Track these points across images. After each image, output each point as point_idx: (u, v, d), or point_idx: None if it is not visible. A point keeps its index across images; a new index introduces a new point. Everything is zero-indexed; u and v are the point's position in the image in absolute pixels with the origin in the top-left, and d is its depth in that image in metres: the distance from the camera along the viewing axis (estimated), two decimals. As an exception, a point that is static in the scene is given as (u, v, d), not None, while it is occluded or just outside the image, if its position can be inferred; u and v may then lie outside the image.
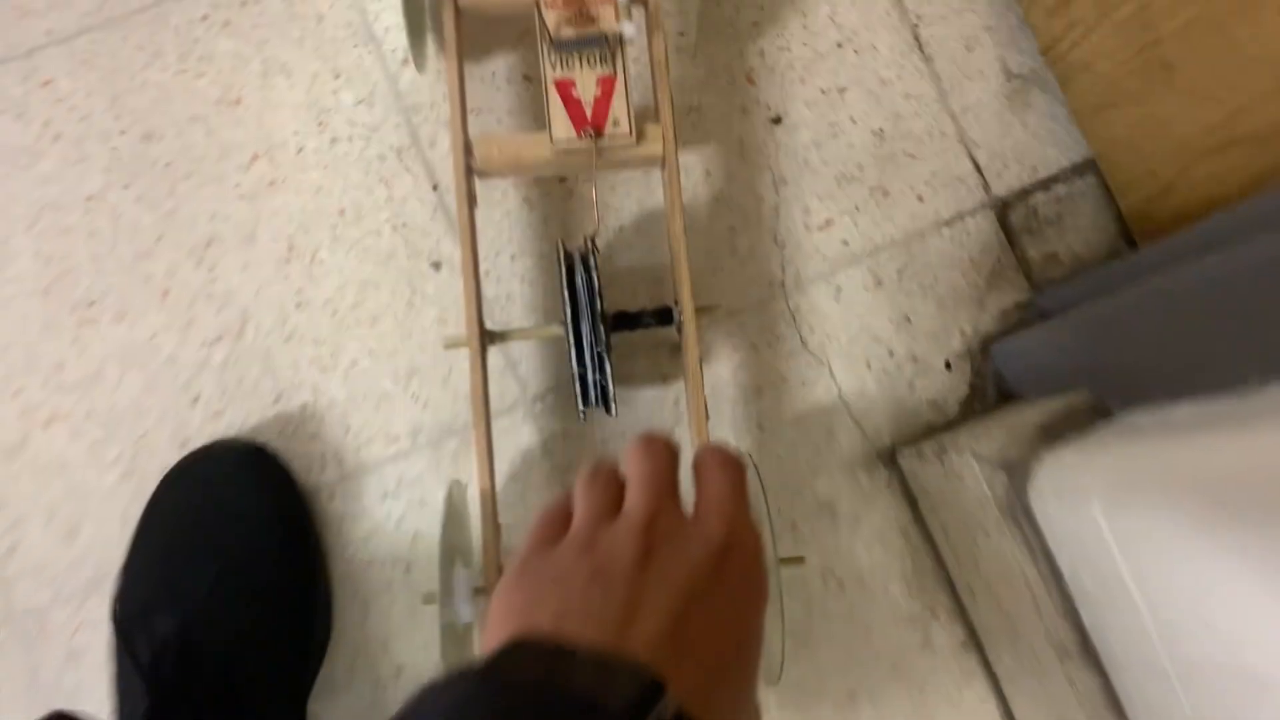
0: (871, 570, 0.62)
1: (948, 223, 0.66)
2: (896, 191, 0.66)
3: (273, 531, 0.56)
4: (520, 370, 0.63)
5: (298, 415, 0.61)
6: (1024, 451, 0.51)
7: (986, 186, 0.67)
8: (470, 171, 0.55)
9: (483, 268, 0.57)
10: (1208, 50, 0.52)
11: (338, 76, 0.65)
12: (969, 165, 0.67)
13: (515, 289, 0.64)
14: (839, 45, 0.68)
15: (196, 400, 0.61)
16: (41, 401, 0.60)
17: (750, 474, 0.43)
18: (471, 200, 0.54)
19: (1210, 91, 0.53)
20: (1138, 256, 0.58)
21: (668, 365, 0.64)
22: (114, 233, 0.62)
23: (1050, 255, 0.65)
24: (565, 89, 0.53)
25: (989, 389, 0.64)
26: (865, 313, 0.65)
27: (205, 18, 0.65)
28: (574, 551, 0.34)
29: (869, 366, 0.64)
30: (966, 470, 0.54)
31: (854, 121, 0.67)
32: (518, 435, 0.62)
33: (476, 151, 0.54)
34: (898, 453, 0.63)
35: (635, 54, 0.57)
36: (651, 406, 0.64)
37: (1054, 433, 0.52)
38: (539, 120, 0.59)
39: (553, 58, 0.54)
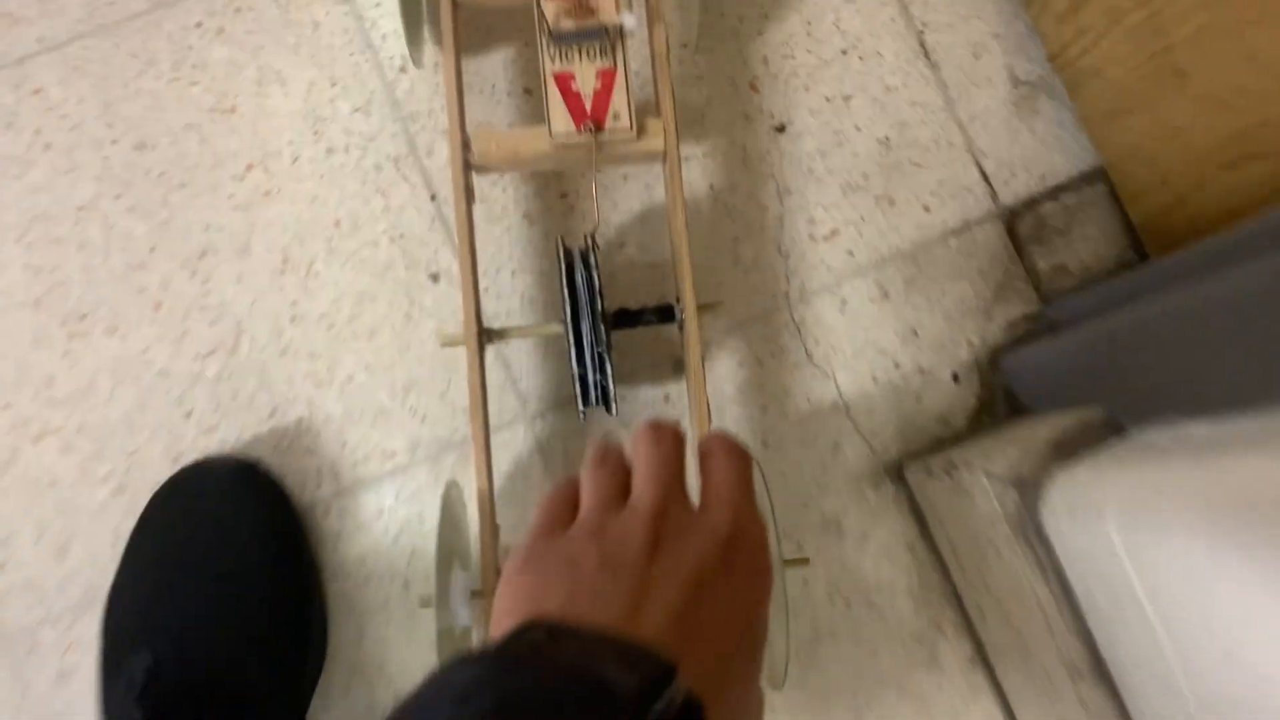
0: (878, 586, 0.61)
1: (955, 233, 0.65)
2: (903, 201, 0.65)
3: (267, 549, 0.55)
4: (521, 386, 0.62)
5: (293, 430, 0.60)
6: (1036, 468, 0.50)
7: (994, 196, 0.66)
8: (468, 167, 0.54)
9: (482, 285, 0.56)
10: (1222, 57, 0.51)
11: (334, 84, 0.64)
12: (976, 174, 0.66)
13: (515, 306, 0.63)
14: (844, 52, 0.67)
15: (190, 415, 0.60)
16: (31, 416, 0.59)
17: (757, 481, 0.43)
18: (469, 196, 0.53)
19: (1225, 99, 0.52)
20: (1150, 269, 0.57)
21: (669, 366, 0.63)
22: (106, 243, 0.61)
23: (1059, 266, 0.64)
24: (564, 82, 0.52)
25: (998, 402, 0.63)
26: (871, 325, 0.64)
27: (199, 25, 0.64)
28: (583, 538, 0.34)
29: (875, 379, 0.63)
30: (976, 487, 0.52)
31: (859, 130, 0.66)
32: (517, 448, 0.61)
33: (474, 146, 0.53)
34: (905, 467, 0.62)
35: (635, 47, 0.56)
36: (653, 406, 0.63)
37: (1066, 449, 0.51)
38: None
39: (551, 50, 0.52)
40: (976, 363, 0.63)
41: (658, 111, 0.55)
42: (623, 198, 0.65)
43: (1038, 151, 0.66)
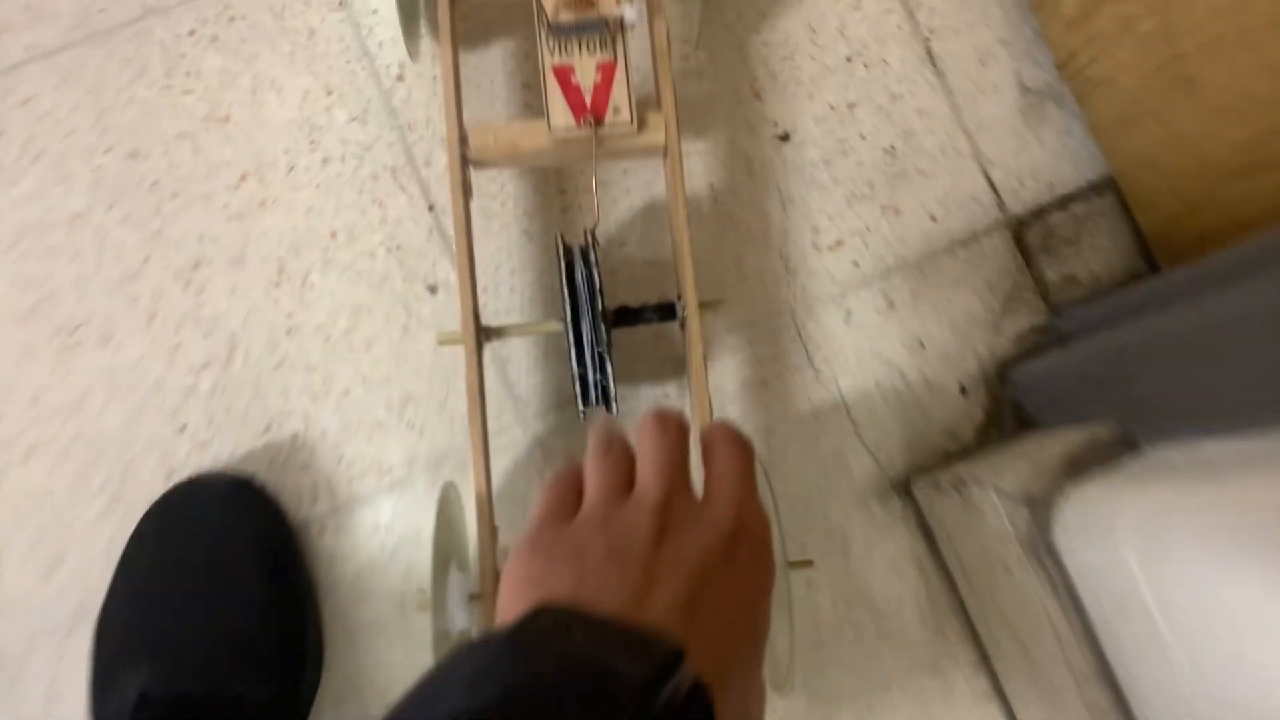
0: (885, 601, 0.60)
1: (962, 243, 0.64)
2: (909, 210, 0.64)
3: (261, 566, 0.54)
4: (518, 390, 0.61)
5: (288, 445, 0.59)
6: (1047, 485, 0.49)
7: (1002, 205, 0.65)
8: (466, 162, 0.53)
9: (480, 286, 0.55)
10: (1235, 65, 0.50)
11: (330, 93, 0.63)
12: (983, 183, 0.65)
13: (514, 306, 0.62)
14: (848, 60, 0.66)
15: (183, 429, 0.59)
16: (22, 430, 0.58)
17: (761, 480, 0.44)
18: (467, 192, 0.52)
19: (1238, 108, 0.51)
20: (1161, 281, 0.56)
21: (670, 365, 0.62)
22: (98, 254, 0.60)
23: (1068, 277, 0.63)
24: (564, 75, 0.51)
25: (1006, 416, 0.62)
26: (877, 336, 0.63)
27: (193, 32, 0.63)
28: (589, 527, 0.34)
29: (881, 392, 0.62)
30: (986, 504, 0.51)
31: (864, 138, 0.65)
32: (515, 450, 0.60)
33: (472, 140, 0.52)
34: (912, 482, 0.60)
35: (635, 40, 0.55)
36: (654, 405, 0.61)
37: (1078, 466, 0.50)
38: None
39: (550, 43, 0.51)
40: (984, 375, 0.62)
41: (658, 105, 0.54)
42: (623, 193, 0.64)
43: (1046, 160, 0.65)
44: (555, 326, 0.54)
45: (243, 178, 0.62)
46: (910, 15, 0.67)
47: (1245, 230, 0.54)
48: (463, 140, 0.52)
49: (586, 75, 0.51)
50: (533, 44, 0.52)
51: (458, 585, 0.48)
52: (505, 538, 0.51)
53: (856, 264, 0.63)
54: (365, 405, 0.60)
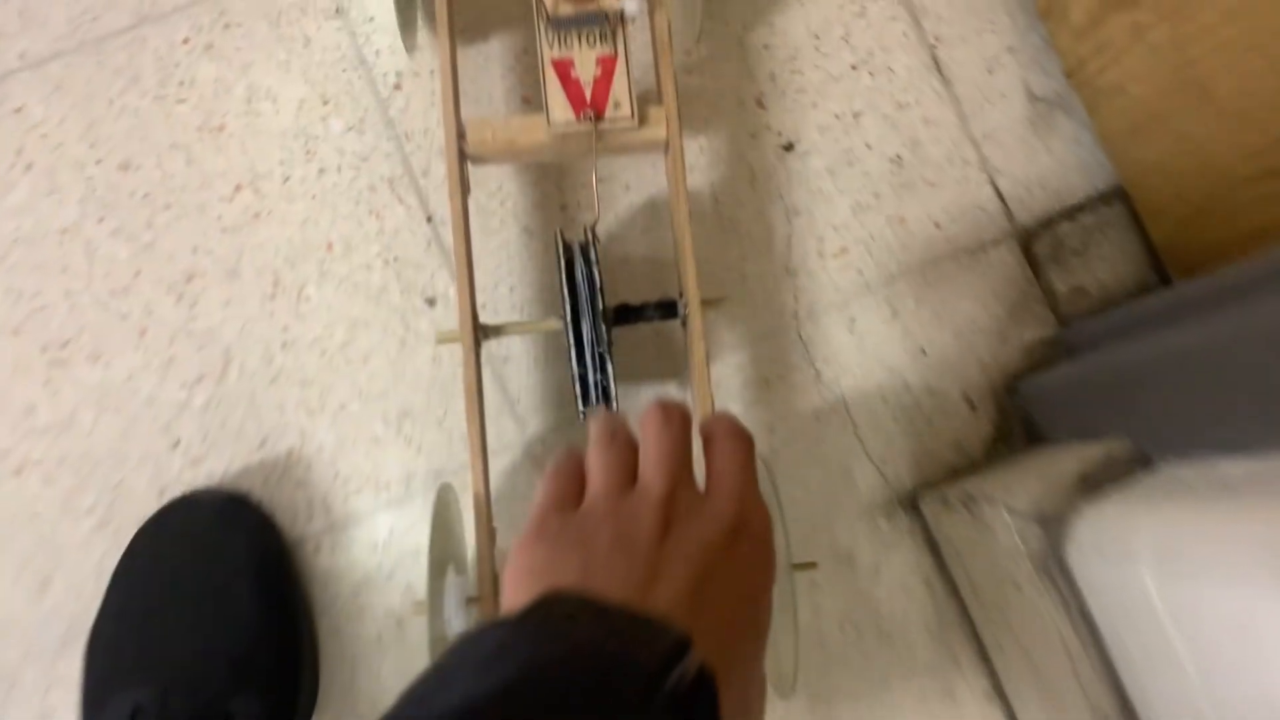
0: (892, 620, 0.59)
1: (969, 253, 0.63)
2: (915, 220, 0.63)
3: (256, 585, 0.53)
4: (519, 410, 0.60)
5: (283, 461, 0.58)
6: (1060, 504, 0.48)
7: (1009, 215, 0.64)
8: (463, 157, 0.52)
9: (479, 299, 0.54)
10: (1249, 73, 0.49)
11: (326, 103, 0.62)
12: (991, 192, 0.64)
13: (515, 342, 0.61)
14: (853, 68, 0.65)
15: (176, 445, 0.58)
16: (11, 447, 0.57)
17: (765, 478, 0.45)
18: (465, 188, 0.52)
19: (1252, 115, 0.50)
20: (1174, 293, 0.54)
21: (671, 363, 0.61)
22: (89, 267, 0.59)
23: (1077, 288, 0.62)
24: (563, 69, 0.51)
25: (1015, 429, 0.60)
26: (882, 346, 0.62)
27: (186, 41, 0.62)
28: (595, 518, 0.35)
29: (886, 403, 0.61)
30: (997, 522, 0.50)
31: (869, 147, 0.64)
32: (513, 454, 0.59)
33: (470, 135, 0.51)
34: (919, 497, 0.59)
35: (636, 33, 0.55)
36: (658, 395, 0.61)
37: (1091, 483, 0.48)
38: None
39: (550, 36, 0.51)
40: (992, 388, 0.61)
41: (659, 100, 0.53)
42: (623, 189, 0.63)
43: (1054, 170, 0.64)
44: (555, 324, 0.53)
45: (237, 189, 0.61)
46: (916, 22, 0.66)
47: (1258, 238, 0.53)
48: (460, 135, 0.51)
49: (586, 69, 0.51)
50: (532, 37, 0.51)
51: (455, 588, 0.47)
52: (504, 540, 0.50)
53: (861, 273, 0.62)
54: (362, 420, 0.59)
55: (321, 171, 0.61)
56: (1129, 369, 0.52)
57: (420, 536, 0.57)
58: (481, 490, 0.48)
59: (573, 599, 0.29)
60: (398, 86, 0.62)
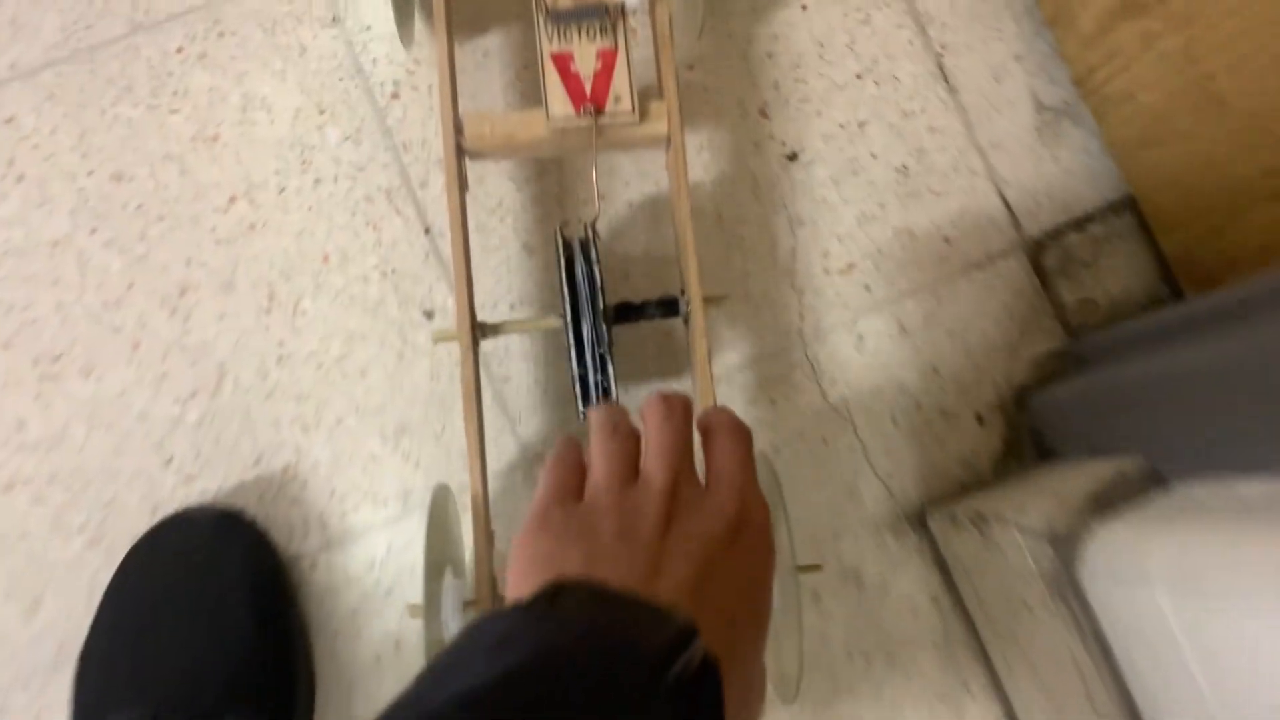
0: (901, 641, 0.58)
1: (977, 265, 0.62)
2: (922, 232, 0.62)
3: (250, 605, 0.52)
4: (520, 431, 0.58)
5: (278, 478, 0.57)
6: (1072, 523, 0.47)
7: (1018, 226, 0.63)
8: (461, 152, 0.51)
9: (479, 315, 0.53)
10: (1266, 85, 0.48)
11: (322, 112, 0.61)
12: (999, 203, 0.63)
13: (514, 341, 0.60)
14: (858, 76, 0.64)
15: (169, 462, 0.56)
16: (0, 463, 0.56)
17: (768, 475, 0.46)
18: (462, 184, 0.51)
19: (1268, 129, 0.49)
20: (1188, 308, 0.53)
21: (673, 362, 0.60)
22: (81, 280, 0.58)
23: (1087, 300, 0.61)
24: (563, 63, 0.50)
25: (1025, 445, 0.59)
26: (890, 363, 0.61)
27: (180, 50, 0.61)
28: (599, 510, 0.35)
29: (895, 421, 0.60)
30: (1008, 542, 0.49)
31: (875, 157, 0.63)
32: (510, 457, 0.58)
33: (468, 130, 0.51)
34: (928, 515, 0.58)
35: (635, 26, 0.54)
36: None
37: (1105, 502, 0.47)
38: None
39: (549, 29, 0.50)
40: (1001, 403, 0.60)
41: (660, 94, 0.52)
42: (623, 185, 0.62)
43: (1063, 180, 0.63)
44: (554, 322, 0.52)
45: (232, 200, 0.60)
46: (922, 30, 0.65)
47: (1274, 252, 0.52)
48: (458, 130, 0.51)
49: (586, 63, 0.50)
50: (531, 30, 0.50)
51: (452, 591, 0.47)
52: (502, 543, 0.49)
53: (868, 288, 0.61)
54: (359, 436, 0.58)
55: (318, 182, 0.60)
56: (1141, 384, 0.51)
57: (419, 553, 0.56)
58: (479, 491, 0.48)
59: (580, 587, 0.29)
60: (395, 95, 0.61)
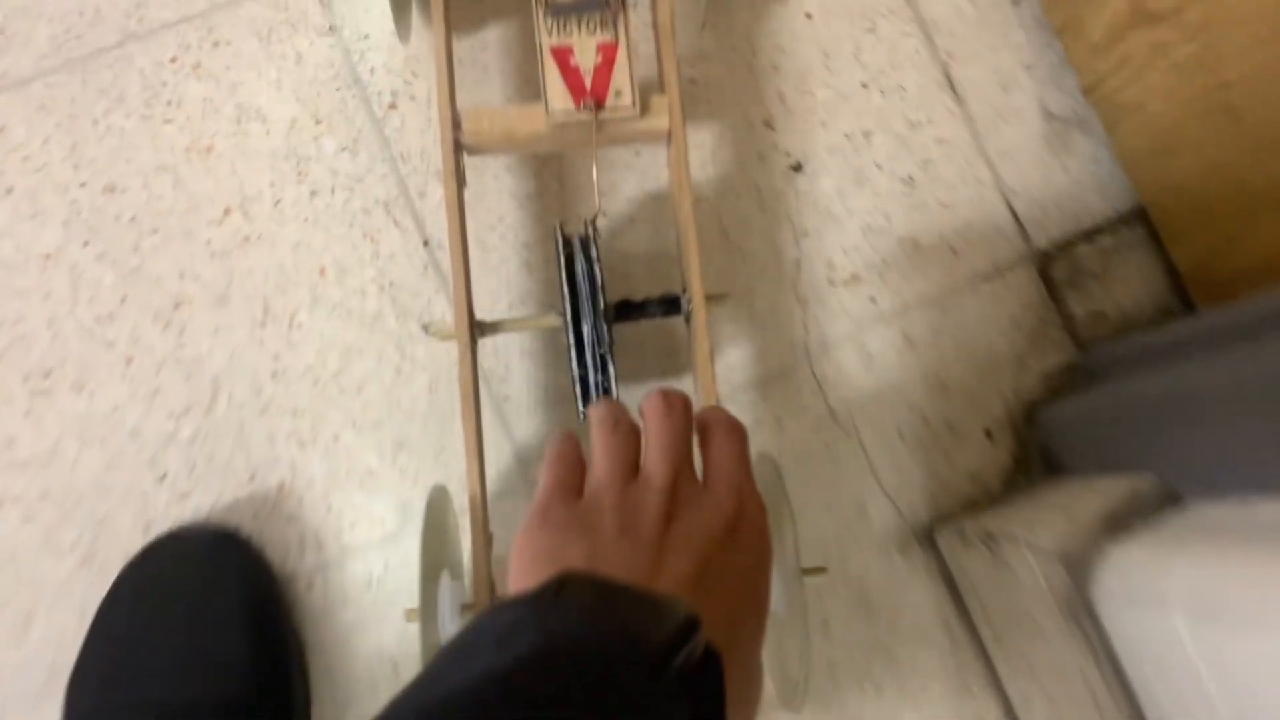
0: (907, 655, 0.57)
1: (985, 277, 0.61)
2: (928, 243, 0.61)
3: (245, 625, 0.51)
4: (519, 431, 0.57)
5: (274, 495, 0.56)
6: (1085, 543, 0.46)
7: (1026, 237, 0.62)
8: (459, 147, 0.50)
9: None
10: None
11: (318, 122, 0.60)
12: (1006, 214, 0.62)
13: (514, 360, 0.59)
14: (864, 86, 0.63)
15: (163, 478, 0.55)
16: (-10, 481, 0.55)
17: (773, 474, 0.47)
18: (460, 180, 0.50)
19: (1282, 141, 0.49)
20: (1201, 322, 0.52)
21: (674, 362, 0.60)
22: (72, 294, 0.57)
23: (1097, 313, 0.60)
24: (562, 57, 0.49)
25: (1034, 461, 0.58)
26: (896, 376, 0.60)
27: (174, 59, 0.60)
28: (601, 507, 0.35)
29: (902, 436, 0.59)
30: (1019, 561, 0.48)
31: (880, 168, 0.62)
32: (515, 500, 0.57)
33: (465, 125, 0.50)
34: (935, 532, 0.57)
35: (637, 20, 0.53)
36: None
37: (1118, 522, 0.46)
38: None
39: (548, 23, 0.49)
40: (1010, 417, 0.59)
41: (662, 89, 0.52)
42: (624, 181, 0.61)
43: (1072, 190, 0.62)
44: (554, 321, 0.51)
45: (226, 212, 0.59)
46: (928, 39, 0.64)
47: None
48: (455, 124, 0.50)
49: (586, 56, 0.49)
50: (530, 23, 0.49)
51: (449, 594, 0.46)
52: (500, 546, 0.48)
53: (874, 300, 0.60)
54: (356, 452, 0.57)
55: (314, 194, 0.59)
56: (1154, 400, 0.50)
57: (416, 573, 0.55)
58: (477, 492, 0.47)
59: (585, 579, 0.30)
60: (393, 105, 0.60)
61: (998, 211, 0.62)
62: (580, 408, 0.50)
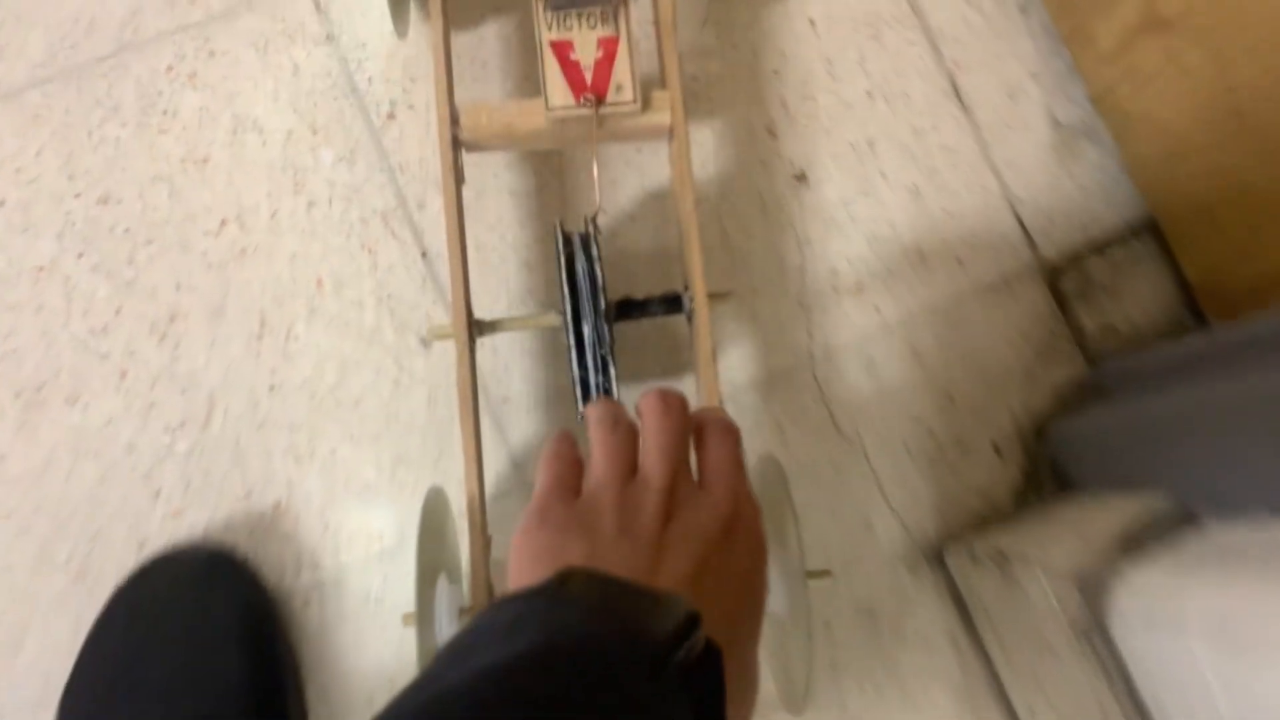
0: (915, 677, 0.56)
1: (992, 288, 0.60)
2: (934, 253, 0.60)
3: (240, 647, 0.50)
4: (518, 432, 0.57)
5: (270, 512, 0.55)
6: (1099, 564, 0.45)
7: (1034, 247, 0.61)
8: (457, 144, 0.49)
9: (478, 342, 0.52)
10: (1295, 104, 0.47)
11: (316, 133, 0.59)
12: (1014, 223, 0.61)
13: (514, 360, 0.58)
14: (868, 94, 0.62)
15: (157, 494, 0.55)
16: (-18, 496, 0.54)
17: (777, 476, 0.47)
18: (458, 177, 0.49)
19: (1298, 149, 0.48)
20: (1216, 337, 0.51)
21: (675, 361, 0.59)
22: (66, 306, 0.56)
23: (1107, 326, 0.59)
24: (562, 51, 0.49)
25: (1044, 477, 0.57)
26: (902, 388, 0.59)
27: (169, 69, 0.59)
28: (599, 506, 0.36)
29: (908, 450, 0.58)
30: (1031, 582, 0.47)
31: (885, 176, 0.61)
32: (513, 502, 0.57)
33: (464, 120, 0.49)
34: (944, 550, 0.56)
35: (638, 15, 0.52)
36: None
37: (1133, 542, 0.45)
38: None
39: (548, 17, 0.49)
40: (1019, 432, 0.58)
41: (663, 84, 0.51)
42: (624, 178, 0.60)
43: (1080, 199, 0.61)
44: (553, 320, 0.51)
45: (222, 223, 0.58)
46: (934, 47, 0.63)
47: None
48: (454, 120, 0.49)
49: (587, 51, 0.49)
50: (529, 19, 0.49)
51: (447, 598, 0.45)
52: (499, 549, 0.47)
53: (878, 309, 0.60)
54: (353, 466, 0.56)
55: (311, 205, 0.58)
56: (1168, 416, 0.49)
57: (415, 591, 0.54)
58: (475, 493, 0.46)
59: (587, 575, 0.30)
60: (391, 115, 0.60)
61: (1004, 221, 0.61)
62: (580, 409, 0.49)
